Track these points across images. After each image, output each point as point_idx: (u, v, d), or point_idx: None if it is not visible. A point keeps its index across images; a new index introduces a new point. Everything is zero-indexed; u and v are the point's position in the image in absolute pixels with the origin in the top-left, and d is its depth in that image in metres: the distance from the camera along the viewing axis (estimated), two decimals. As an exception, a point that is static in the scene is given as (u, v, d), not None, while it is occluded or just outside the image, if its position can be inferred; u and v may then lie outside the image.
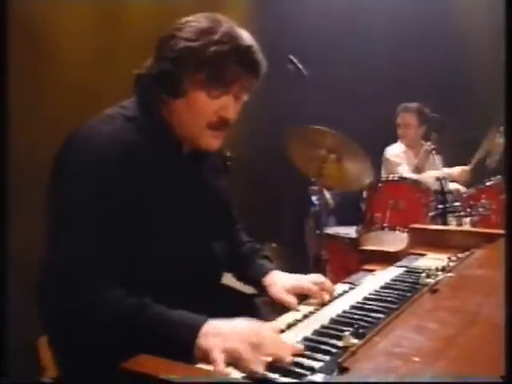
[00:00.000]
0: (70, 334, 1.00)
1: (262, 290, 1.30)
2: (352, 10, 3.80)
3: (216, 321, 0.93)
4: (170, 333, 0.93)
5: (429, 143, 2.95)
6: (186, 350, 0.89)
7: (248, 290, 1.44)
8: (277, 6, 3.74)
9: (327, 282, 1.24)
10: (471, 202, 2.75)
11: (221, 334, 0.90)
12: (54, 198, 1.06)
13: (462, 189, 3.01)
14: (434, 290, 1.01)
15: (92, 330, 0.97)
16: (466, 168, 3.21)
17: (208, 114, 1.13)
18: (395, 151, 3.49)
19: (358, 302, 1.14)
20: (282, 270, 1.35)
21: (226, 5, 3.51)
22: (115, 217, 1.02)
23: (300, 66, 2.63)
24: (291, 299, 1.19)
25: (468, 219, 2.71)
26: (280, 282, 1.27)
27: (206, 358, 0.86)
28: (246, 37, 1.13)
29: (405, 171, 3.20)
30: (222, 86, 1.12)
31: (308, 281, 1.24)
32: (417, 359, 0.63)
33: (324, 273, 2.71)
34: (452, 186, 3.04)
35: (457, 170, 3.21)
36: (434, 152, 2.75)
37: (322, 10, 3.78)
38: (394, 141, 3.56)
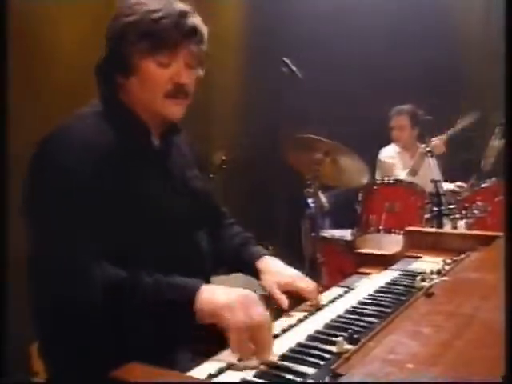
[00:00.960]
0: (62, 331, 1.00)
1: (256, 274, 1.29)
2: (347, 11, 3.81)
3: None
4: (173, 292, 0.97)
5: (424, 145, 2.95)
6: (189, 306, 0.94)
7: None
8: (271, 8, 3.74)
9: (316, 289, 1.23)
10: (466, 205, 2.75)
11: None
12: (31, 206, 1.06)
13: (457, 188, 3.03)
14: (429, 294, 1.00)
15: (86, 317, 0.96)
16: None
17: (162, 82, 1.14)
18: (390, 153, 3.48)
19: (353, 307, 1.13)
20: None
21: (220, 8, 3.51)
22: (94, 215, 1.02)
23: (294, 69, 2.63)
24: (283, 298, 1.20)
25: (463, 221, 2.71)
26: (275, 273, 1.25)
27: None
28: (180, 3, 1.15)
29: (400, 173, 3.20)
30: (168, 51, 1.13)
31: (301, 279, 1.24)
32: (411, 366, 0.62)
33: (319, 275, 2.70)
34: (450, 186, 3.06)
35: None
36: (429, 154, 2.74)
37: (316, 13, 3.78)
38: (389, 143, 3.55)
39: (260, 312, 0.92)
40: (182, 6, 1.14)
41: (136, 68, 1.13)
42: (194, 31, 1.14)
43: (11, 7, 1.48)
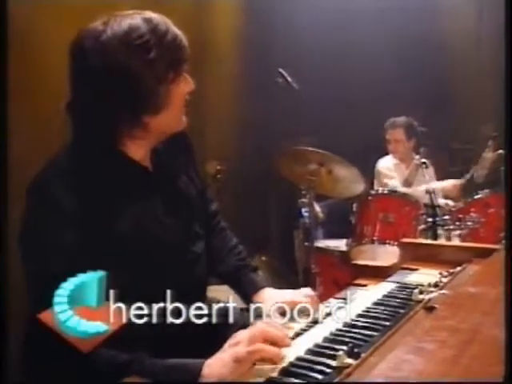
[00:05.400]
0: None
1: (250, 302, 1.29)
2: (345, 24, 3.83)
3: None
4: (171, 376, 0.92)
5: (418, 157, 2.96)
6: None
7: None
8: (268, 18, 3.76)
9: (315, 297, 1.23)
10: (460, 216, 2.76)
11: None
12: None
13: (451, 203, 3.02)
14: (429, 308, 0.99)
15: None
16: (457, 183, 3.21)
17: (184, 99, 1.10)
18: (387, 164, 3.48)
19: (352, 320, 1.11)
20: (272, 284, 1.33)
21: (213, 16, 3.53)
22: (95, 253, 0.99)
23: (290, 80, 2.64)
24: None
25: (457, 233, 2.72)
26: (271, 301, 1.24)
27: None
28: (149, 13, 1.08)
29: (397, 185, 3.20)
30: (186, 63, 1.08)
31: (298, 295, 1.23)
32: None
33: (314, 286, 2.68)
34: (441, 201, 3.06)
35: (448, 184, 3.21)
36: (424, 165, 2.76)
37: (314, 25, 3.81)
38: (386, 153, 3.55)
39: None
40: (159, 17, 1.07)
41: (168, 100, 1.06)
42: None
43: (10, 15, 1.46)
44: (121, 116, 1.04)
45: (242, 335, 0.94)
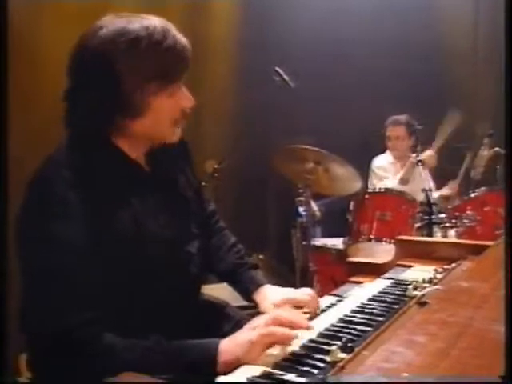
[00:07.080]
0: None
1: (253, 303, 1.30)
2: (337, 22, 3.84)
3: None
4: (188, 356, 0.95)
5: (414, 155, 2.97)
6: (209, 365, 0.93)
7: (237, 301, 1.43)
8: (263, 17, 3.77)
9: (315, 297, 1.24)
10: (456, 214, 2.77)
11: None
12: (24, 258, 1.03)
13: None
14: (422, 303, 1.01)
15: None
16: (454, 185, 3.24)
17: (172, 113, 1.12)
18: (382, 162, 3.49)
19: (346, 315, 1.13)
20: (269, 282, 1.34)
21: (210, 15, 3.53)
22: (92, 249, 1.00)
23: (286, 78, 2.65)
24: None
25: (453, 230, 2.73)
26: (270, 298, 1.26)
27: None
28: (161, 21, 1.09)
29: (392, 183, 3.21)
30: (177, 82, 1.10)
31: (298, 293, 1.25)
32: (406, 375, 0.62)
33: (311, 284, 2.70)
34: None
35: (447, 189, 3.24)
36: (419, 164, 2.77)
37: (309, 24, 3.81)
38: (381, 151, 3.56)
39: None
40: (169, 27, 1.08)
41: (147, 108, 1.07)
42: (188, 54, 1.11)
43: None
44: (103, 113, 1.07)
45: (259, 320, 0.99)
